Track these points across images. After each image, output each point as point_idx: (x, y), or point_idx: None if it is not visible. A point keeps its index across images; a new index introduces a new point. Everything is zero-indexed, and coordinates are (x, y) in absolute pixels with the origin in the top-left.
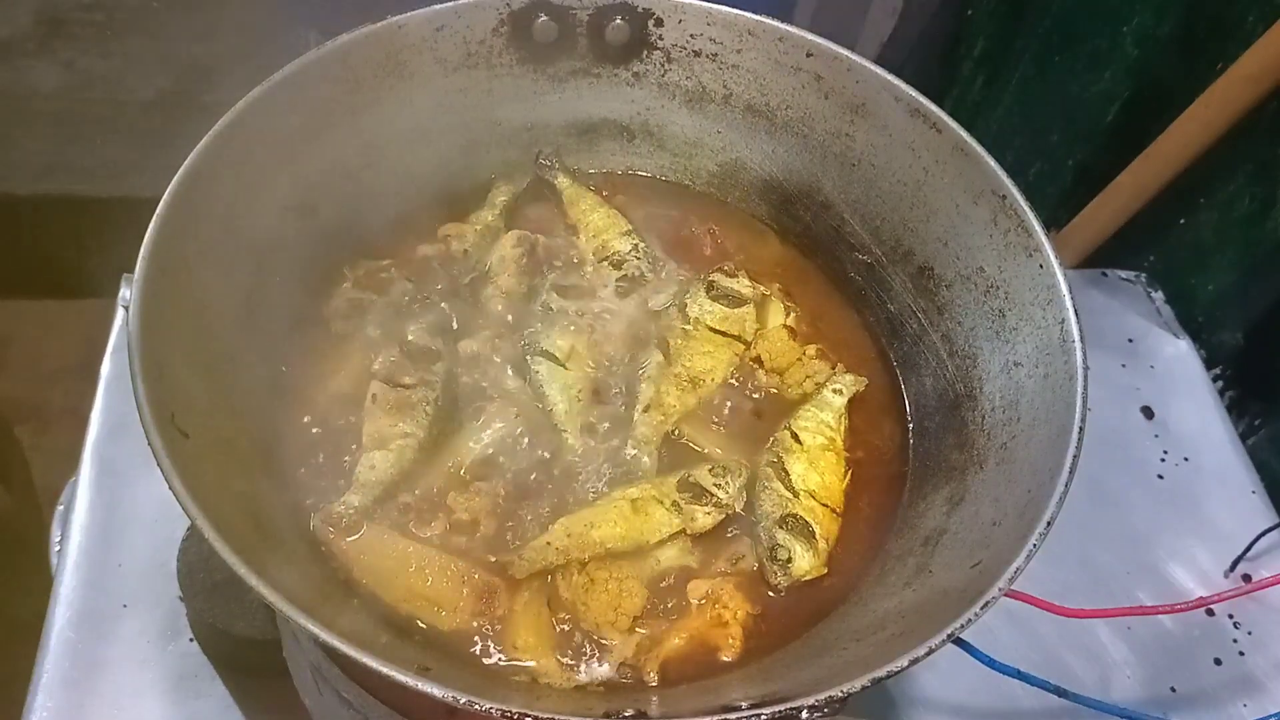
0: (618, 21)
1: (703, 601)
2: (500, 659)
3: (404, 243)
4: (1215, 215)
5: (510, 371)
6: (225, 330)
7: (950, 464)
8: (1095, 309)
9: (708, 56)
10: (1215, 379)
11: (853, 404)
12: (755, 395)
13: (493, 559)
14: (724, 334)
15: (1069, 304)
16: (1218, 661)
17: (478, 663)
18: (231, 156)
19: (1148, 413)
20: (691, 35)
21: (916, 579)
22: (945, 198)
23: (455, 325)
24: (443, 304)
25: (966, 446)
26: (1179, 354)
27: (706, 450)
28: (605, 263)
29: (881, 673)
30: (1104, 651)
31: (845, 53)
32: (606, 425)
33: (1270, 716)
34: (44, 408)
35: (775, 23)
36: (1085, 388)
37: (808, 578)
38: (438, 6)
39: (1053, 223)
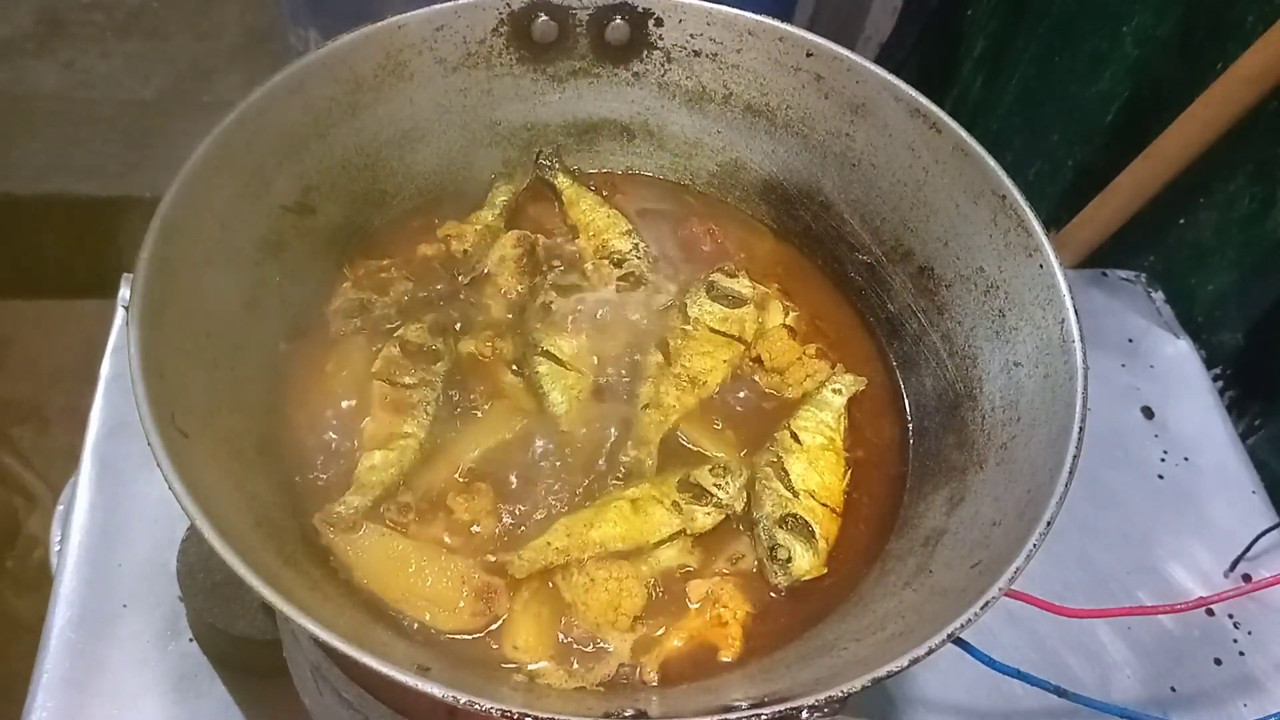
0: (618, 21)
1: (703, 602)
2: (500, 659)
3: (404, 243)
4: (1215, 215)
5: (511, 371)
6: (225, 330)
7: (950, 464)
8: (1095, 309)
9: (708, 56)
10: (1215, 379)
11: (852, 404)
12: (755, 395)
13: (493, 559)
14: (724, 334)
15: (1069, 304)
16: (1218, 661)
17: (478, 663)
18: (231, 156)
19: (1148, 413)
20: (691, 35)
21: (916, 579)
22: (945, 198)
23: (455, 325)
24: (443, 304)
25: (966, 446)
26: (1179, 354)
27: (706, 450)
28: (605, 262)
29: (881, 673)
30: (1104, 651)
31: (845, 53)
32: (607, 425)
33: (1270, 716)
34: (44, 408)
35: (775, 23)
36: (1085, 388)
37: (808, 578)
38: (438, 6)
39: (1053, 223)
